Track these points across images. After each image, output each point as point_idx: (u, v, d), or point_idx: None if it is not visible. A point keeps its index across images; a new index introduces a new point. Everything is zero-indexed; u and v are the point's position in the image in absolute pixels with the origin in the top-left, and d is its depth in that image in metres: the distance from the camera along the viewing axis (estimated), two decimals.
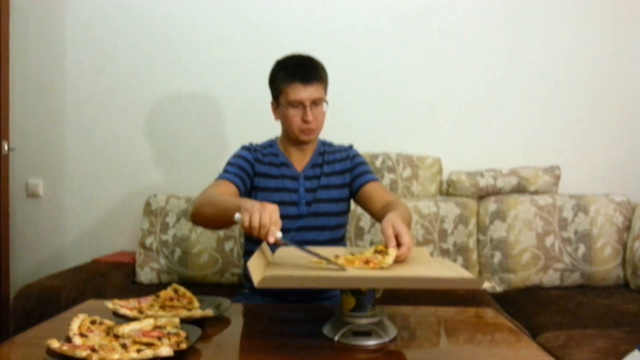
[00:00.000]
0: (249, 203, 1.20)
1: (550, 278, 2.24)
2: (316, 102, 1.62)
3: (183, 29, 2.59)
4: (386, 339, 1.08)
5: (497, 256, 2.27)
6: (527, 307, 1.98)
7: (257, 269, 1.04)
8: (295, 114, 1.62)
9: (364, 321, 1.10)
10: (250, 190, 1.68)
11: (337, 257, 1.19)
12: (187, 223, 2.28)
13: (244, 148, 1.73)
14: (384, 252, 1.18)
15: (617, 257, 2.25)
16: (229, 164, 1.67)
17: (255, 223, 1.14)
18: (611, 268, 2.25)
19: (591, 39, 2.57)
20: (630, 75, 2.57)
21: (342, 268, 1.09)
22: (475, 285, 1.00)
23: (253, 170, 1.68)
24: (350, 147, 1.80)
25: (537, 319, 1.83)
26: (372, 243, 2.27)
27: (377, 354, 1.04)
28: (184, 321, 1.13)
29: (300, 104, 1.61)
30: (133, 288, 2.22)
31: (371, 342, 1.07)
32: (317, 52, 1.71)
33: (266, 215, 1.14)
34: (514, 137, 2.59)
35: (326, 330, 1.13)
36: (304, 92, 1.60)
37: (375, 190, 1.68)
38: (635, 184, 2.56)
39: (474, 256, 2.30)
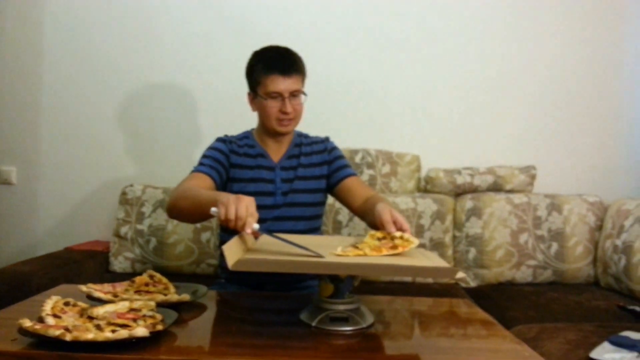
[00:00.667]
0: (224, 196, 1.19)
1: (523, 274, 2.28)
2: (294, 94, 1.62)
3: (161, 20, 2.56)
4: (363, 325, 1.09)
5: (472, 252, 2.30)
6: (500, 301, 2.01)
7: (233, 253, 1.03)
8: (273, 105, 1.62)
9: (341, 307, 1.10)
10: (226, 182, 1.67)
11: (343, 249, 1.15)
12: (163, 213, 2.26)
13: (219, 140, 1.72)
14: (388, 238, 1.19)
15: (589, 256, 2.30)
16: (204, 156, 1.66)
17: (232, 215, 1.13)
18: (582, 266, 2.29)
19: (568, 42, 2.61)
20: (606, 79, 2.63)
21: (320, 255, 1.08)
22: (450, 275, 1.01)
23: (228, 162, 1.67)
24: (327, 139, 1.81)
25: (510, 312, 1.85)
26: (350, 236, 2.28)
27: (355, 340, 1.04)
28: (160, 305, 1.12)
29: (279, 96, 1.60)
30: (107, 277, 2.19)
31: (348, 328, 1.07)
32: (298, 47, 1.70)
33: (242, 208, 1.14)
34: (491, 137, 2.63)
35: (304, 316, 1.13)
36: (282, 84, 1.59)
37: (355, 185, 1.70)
38: (607, 185, 2.62)
39: (450, 252, 2.32)
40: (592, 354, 1.21)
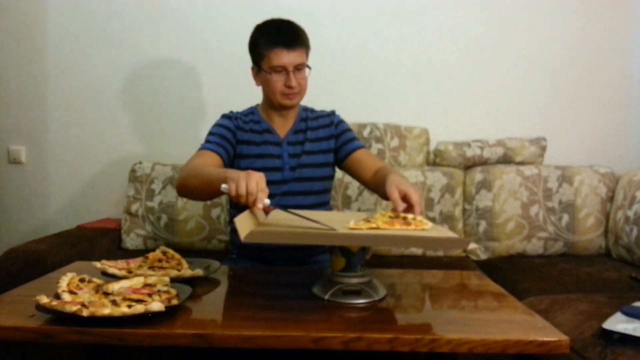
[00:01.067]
0: (234, 173, 1.20)
1: (534, 247, 2.28)
2: (299, 67, 1.61)
3: None
4: (376, 298, 1.09)
5: (482, 225, 2.29)
6: (510, 274, 2.01)
7: (245, 225, 1.03)
8: (278, 79, 1.61)
9: (354, 281, 1.11)
10: (233, 159, 1.67)
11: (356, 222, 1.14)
12: (173, 190, 2.26)
13: (224, 117, 1.72)
14: (400, 218, 1.18)
15: (600, 227, 2.29)
16: (211, 133, 1.65)
17: (242, 191, 1.14)
18: (593, 237, 2.29)
19: (579, 13, 2.56)
20: (617, 48, 2.58)
21: (332, 229, 1.08)
22: (462, 245, 1.01)
23: (235, 139, 1.67)
24: (333, 112, 1.79)
25: (521, 284, 1.86)
26: (359, 210, 2.28)
27: (367, 312, 1.05)
28: (174, 281, 1.13)
29: (283, 69, 1.60)
30: (119, 254, 2.21)
31: (361, 301, 1.08)
32: (304, 20, 1.69)
33: (252, 183, 1.14)
34: (500, 109, 2.60)
35: (316, 289, 1.13)
36: (286, 57, 1.58)
37: (364, 158, 1.69)
38: (618, 156, 2.59)
39: (460, 225, 2.32)
40: (605, 325, 1.21)
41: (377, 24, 2.56)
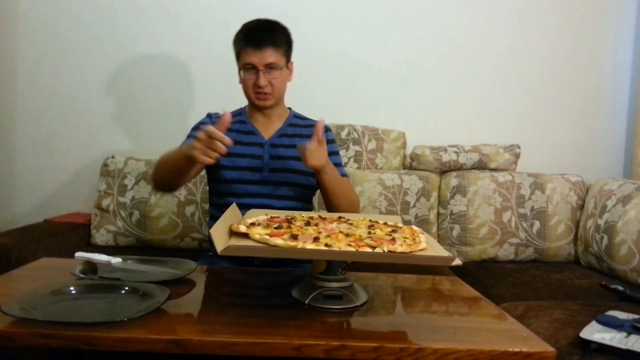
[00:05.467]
0: (188, 147, 1.30)
1: (506, 252, 2.30)
2: (271, 67, 1.61)
3: None
4: (357, 303, 1.08)
5: (456, 229, 2.31)
6: (484, 279, 2.03)
7: (221, 237, 1.00)
8: (249, 78, 1.62)
9: (334, 285, 1.09)
10: None
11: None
12: (146, 186, 2.21)
13: (207, 116, 1.74)
14: (395, 231, 1.15)
15: (570, 235, 2.33)
16: (189, 136, 1.66)
17: (208, 152, 1.24)
18: (563, 245, 2.33)
19: (553, 24, 2.62)
20: (589, 59, 2.64)
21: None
22: (446, 262, 0.99)
23: None
24: (327, 128, 1.76)
25: (495, 290, 1.87)
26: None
27: (349, 318, 1.04)
28: (146, 282, 1.10)
29: (253, 68, 1.60)
30: (89, 249, 2.13)
31: (342, 306, 1.07)
32: (282, 20, 1.69)
33: (203, 136, 1.24)
34: (476, 115, 2.63)
35: (296, 293, 1.11)
36: (255, 57, 1.59)
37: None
38: (588, 165, 2.66)
39: (434, 229, 2.33)
40: (582, 334, 1.22)
41: (357, 27, 2.55)
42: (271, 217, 1.23)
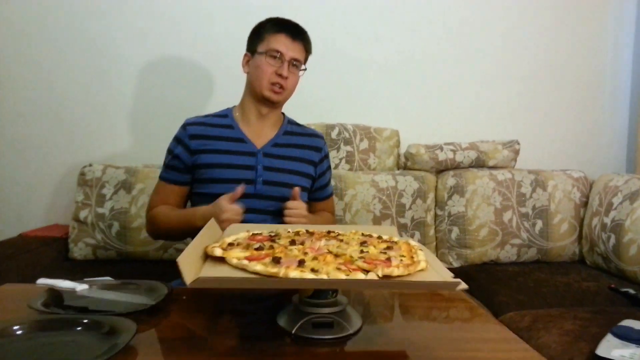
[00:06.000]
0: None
1: (507, 254, 2.20)
2: (295, 62, 1.56)
3: None
4: (350, 331, 0.96)
5: (455, 231, 2.20)
6: (486, 284, 1.92)
7: (192, 262, 0.88)
8: (271, 64, 1.53)
9: (325, 310, 0.97)
10: (193, 168, 1.57)
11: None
12: (125, 195, 2.08)
13: (182, 127, 1.61)
14: (391, 247, 1.02)
15: (574, 234, 2.23)
16: (165, 165, 1.61)
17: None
18: (567, 244, 2.22)
19: (554, 17, 2.51)
20: (590, 52, 2.54)
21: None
22: (450, 287, 0.87)
23: (189, 156, 1.56)
24: (324, 141, 1.73)
25: (498, 297, 1.76)
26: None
27: (341, 348, 0.92)
28: (112, 314, 0.98)
29: (280, 57, 1.53)
30: (66, 265, 2.02)
31: (333, 336, 0.95)
32: (271, 14, 1.61)
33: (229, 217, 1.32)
34: (474, 111, 2.52)
35: (282, 321, 0.99)
36: (287, 46, 1.54)
37: (327, 206, 1.73)
38: (589, 160, 2.55)
39: (432, 231, 2.22)
40: (599, 351, 1.11)
41: (347, 21, 2.43)
42: (253, 234, 1.11)
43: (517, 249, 2.20)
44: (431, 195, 2.23)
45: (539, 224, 2.21)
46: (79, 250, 2.08)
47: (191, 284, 0.81)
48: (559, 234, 2.21)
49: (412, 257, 0.97)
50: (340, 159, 2.31)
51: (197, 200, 1.58)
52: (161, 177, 1.61)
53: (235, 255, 0.93)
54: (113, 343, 0.85)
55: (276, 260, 0.90)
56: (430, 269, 0.93)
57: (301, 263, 0.89)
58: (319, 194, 1.68)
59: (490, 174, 2.25)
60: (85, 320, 0.93)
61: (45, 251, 2.03)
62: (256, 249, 0.98)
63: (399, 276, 0.86)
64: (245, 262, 0.88)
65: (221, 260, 0.93)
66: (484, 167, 2.33)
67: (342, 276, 0.83)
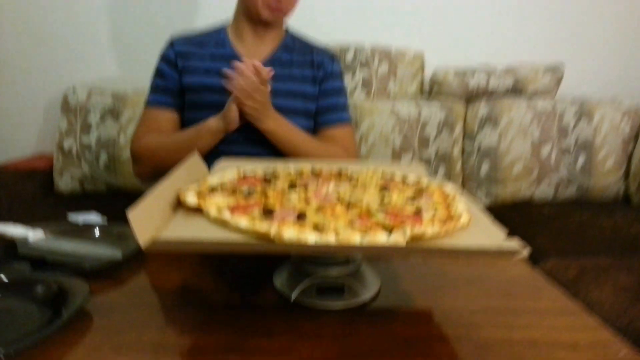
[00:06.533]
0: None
1: (543, 192, 1.96)
2: None
3: None
4: (365, 297, 0.74)
5: (485, 167, 1.95)
6: (520, 227, 1.66)
7: (150, 217, 0.63)
8: None
9: (334, 272, 0.75)
10: (182, 90, 1.33)
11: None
12: (113, 123, 1.85)
13: (169, 45, 1.36)
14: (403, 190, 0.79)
15: (620, 170, 1.97)
16: (151, 88, 1.36)
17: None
18: (612, 182, 1.97)
19: None
20: None
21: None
22: (505, 257, 0.62)
23: (178, 76, 1.32)
24: (336, 59, 1.42)
25: (535, 242, 1.53)
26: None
27: (355, 320, 0.70)
28: (64, 271, 0.77)
29: None
30: (51, 200, 1.83)
31: (344, 304, 0.73)
32: None
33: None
34: (511, 30, 2.19)
35: (279, 283, 0.78)
36: None
37: (337, 137, 1.36)
38: None
39: (458, 166, 1.98)
40: None
41: None
42: (244, 175, 0.88)
43: (554, 187, 1.95)
44: (459, 127, 1.97)
45: (582, 159, 1.95)
46: (65, 183, 1.88)
47: (147, 248, 0.58)
48: (603, 171, 1.96)
49: (448, 208, 0.73)
50: (356, 85, 2.03)
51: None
52: (148, 103, 1.36)
53: (216, 203, 0.70)
54: (57, 312, 0.64)
55: (268, 212, 0.67)
56: (474, 225, 0.69)
57: (301, 217, 0.65)
58: (322, 117, 1.38)
59: (528, 102, 1.97)
60: (26, 281, 0.72)
61: (28, 184, 1.83)
62: (245, 196, 0.75)
63: (431, 241, 0.63)
64: (227, 214, 0.65)
65: (198, 211, 0.70)
66: (522, 94, 2.04)
67: (356, 238, 0.59)
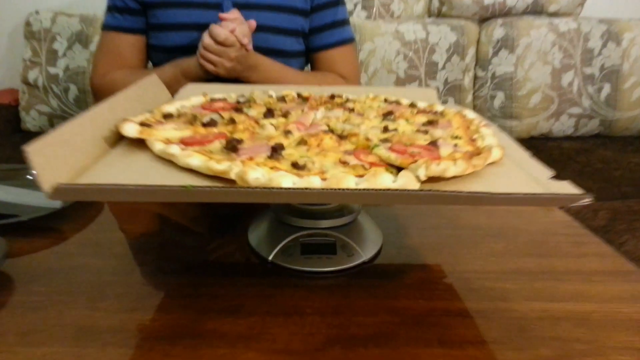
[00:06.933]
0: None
1: (562, 126, 1.78)
2: None
3: None
4: (364, 258, 0.58)
5: (499, 98, 1.76)
6: None
7: (62, 158, 0.45)
8: None
9: (322, 224, 0.59)
10: (144, 8, 1.12)
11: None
12: (82, 51, 1.65)
13: None
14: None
15: None
16: (108, 7, 1.16)
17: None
18: (638, 114, 1.78)
19: None
20: None
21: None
22: (563, 203, 0.45)
23: None
24: None
25: None
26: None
27: (348, 285, 0.54)
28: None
29: None
30: (17, 138, 1.65)
31: (336, 267, 0.57)
32: None
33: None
34: None
35: (255, 240, 0.61)
36: None
37: (336, 62, 1.18)
38: None
39: (469, 97, 1.78)
40: None
41: None
42: (212, 99, 0.70)
43: (575, 120, 1.77)
44: (471, 51, 1.75)
45: (607, 88, 1.75)
46: (32, 120, 1.70)
47: (51, 194, 0.41)
48: (630, 102, 1.77)
49: (472, 140, 0.56)
50: (355, 4, 1.81)
51: (153, 58, 1.16)
52: (106, 26, 1.16)
53: (163, 136, 0.52)
54: None
55: (232, 147, 0.49)
56: (508, 160, 0.52)
57: (275, 152, 0.47)
58: (318, 38, 1.18)
59: (550, 23, 1.75)
60: None
61: None
62: (204, 125, 0.56)
63: (455, 177, 0.45)
64: (175, 148, 0.47)
65: (142, 143, 0.52)
66: (542, 13, 1.82)
67: (350, 180, 0.41)
